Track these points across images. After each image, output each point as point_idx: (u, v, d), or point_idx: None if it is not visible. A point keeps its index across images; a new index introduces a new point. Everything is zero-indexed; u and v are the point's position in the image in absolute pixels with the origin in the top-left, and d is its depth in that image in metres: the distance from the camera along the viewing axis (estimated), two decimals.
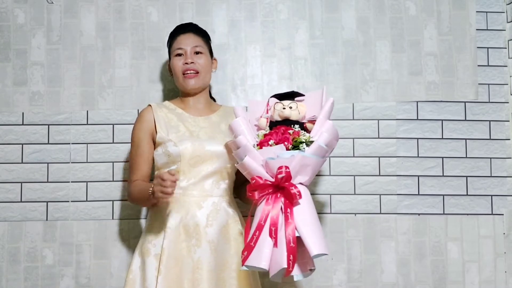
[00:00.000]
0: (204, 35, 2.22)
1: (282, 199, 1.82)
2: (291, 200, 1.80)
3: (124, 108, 2.47)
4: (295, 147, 1.84)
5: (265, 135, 1.91)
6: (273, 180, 1.83)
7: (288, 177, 1.80)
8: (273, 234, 1.77)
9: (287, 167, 1.80)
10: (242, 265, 1.80)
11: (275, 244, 1.76)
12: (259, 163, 1.85)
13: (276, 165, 1.81)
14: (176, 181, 1.81)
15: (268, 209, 1.81)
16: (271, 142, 1.85)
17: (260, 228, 1.79)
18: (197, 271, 1.95)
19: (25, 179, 2.43)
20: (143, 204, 2.22)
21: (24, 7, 2.49)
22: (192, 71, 2.12)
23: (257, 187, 1.84)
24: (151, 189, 1.88)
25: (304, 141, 1.84)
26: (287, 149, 1.83)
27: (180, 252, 1.96)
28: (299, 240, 1.77)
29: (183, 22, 2.31)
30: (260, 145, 1.87)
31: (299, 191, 1.79)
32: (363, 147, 2.49)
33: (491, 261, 2.47)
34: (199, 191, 2.03)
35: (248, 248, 1.79)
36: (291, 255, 1.74)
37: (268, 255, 1.76)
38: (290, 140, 1.84)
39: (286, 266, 1.73)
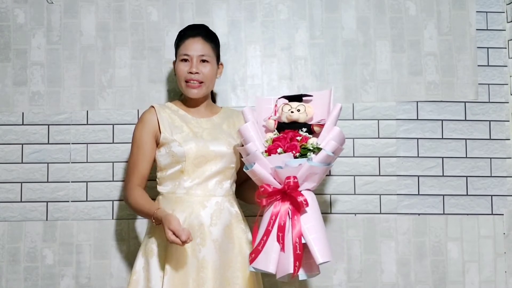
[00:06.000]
0: (213, 41, 2.16)
1: (290, 205, 1.88)
2: (298, 208, 1.86)
3: (124, 108, 2.47)
4: (303, 155, 1.88)
5: (273, 139, 1.94)
6: (281, 186, 1.88)
7: (296, 186, 1.86)
8: (281, 240, 1.84)
9: (295, 177, 1.86)
10: (250, 264, 1.88)
11: (282, 249, 1.84)
12: (268, 170, 1.89)
13: (284, 174, 1.86)
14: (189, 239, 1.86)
15: (275, 214, 1.88)
16: (279, 150, 1.89)
17: (267, 233, 1.87)
18: (202, 270, 1.95)
19: (25, 179, 2.43)
20: (139, 215, 2.19)
21: (24, 7, 2.49)
22: (195, 81, 2.09)
23: (266, 194, 1.89)
24: (153, 221, 1.94)
25: (311, 148, 1.88)
26: (295, 157, 1.87)
27: (184, 252, 1.96)
28: (305, 245, 1.84)
29: (192, 24, 2.25)
30: (269, 151, 1.91)
31: (305, 200, 1.85)
32: (363, 147, 2.49)
33: (491, 261, 2.48)
34: (202, 191, 2.03)
35: (256, 251, 1.87)
36: (297, 262, 1.82)
37: (276, 259, 1.84)
38: (298, 148, 1.89)
39: (292, 271, 1.81)
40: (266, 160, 1.89)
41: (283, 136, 1.94)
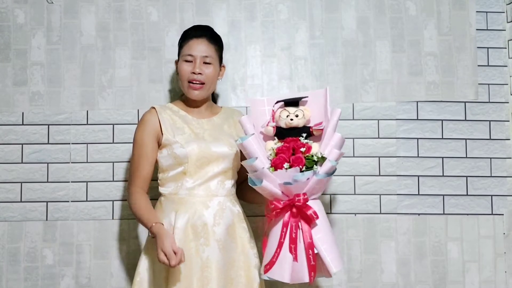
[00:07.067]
0: (217, 43, 2.17)
1: (300, 219, 1.93)
2: (309, 221, 1.92)
3: (124, 108, 2.47)
4: (308, 167, 1.91)
5: (276, 151, 1.95)
6: (288, 198, 1.93)
7: (305, 202, 1.91)
8: (293, 251, 1.90)
9: (304, 194, 1.90)
10: (264, 274, 1.94)
11: (295, 259, 1.91)
12: (276, 186, 1.92)
13: (293, 190, 1.90)
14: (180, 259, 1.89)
15: (286, 226, 1.93)
16: (286, 165, 1.91)
17: (280, 245, 1.92)
18: (206, 270, 1.97)
19: (25, 179, 2.43)
20: (138, 222, 2.16)
21: (24, 7, 2.49)
22: (197, 82, 2.10)
23: (276, 210, 1.94)
24: (151, 234, 1.97)
25: (316, 160, 1.91)
26: (301, 170, 1.90)
27: (188, 252, 1.96)
28: (317, 254, 1.91)
29: (197, 24, 2.27)
30: (275, 166, 1.93)
31: (315, 212, 1.91)
32: (363, 147, 2.49)
33: (491, 261, 2.48)
34: (205, 191, 2.04)
35: (271, 263, 1.92)
36: (312, 272, 1.89)
37: (289, 269, 1.92)
38: (304, 161, 1.91)
39: (308, 281, 1.89)
40: (274, 176, 1.91)
41: (285, 146, 1.95)
